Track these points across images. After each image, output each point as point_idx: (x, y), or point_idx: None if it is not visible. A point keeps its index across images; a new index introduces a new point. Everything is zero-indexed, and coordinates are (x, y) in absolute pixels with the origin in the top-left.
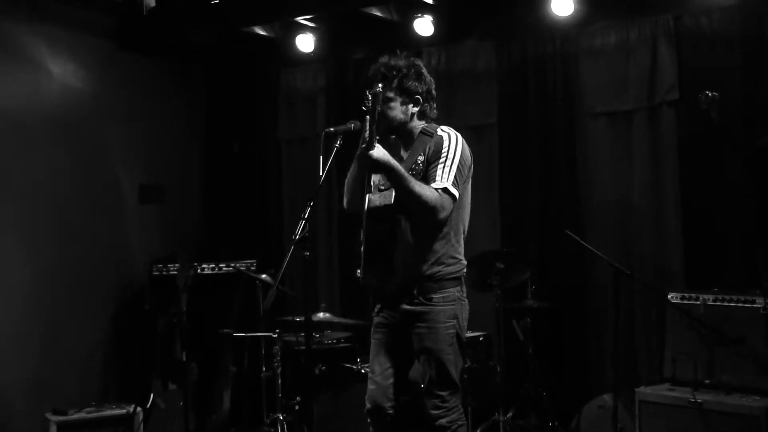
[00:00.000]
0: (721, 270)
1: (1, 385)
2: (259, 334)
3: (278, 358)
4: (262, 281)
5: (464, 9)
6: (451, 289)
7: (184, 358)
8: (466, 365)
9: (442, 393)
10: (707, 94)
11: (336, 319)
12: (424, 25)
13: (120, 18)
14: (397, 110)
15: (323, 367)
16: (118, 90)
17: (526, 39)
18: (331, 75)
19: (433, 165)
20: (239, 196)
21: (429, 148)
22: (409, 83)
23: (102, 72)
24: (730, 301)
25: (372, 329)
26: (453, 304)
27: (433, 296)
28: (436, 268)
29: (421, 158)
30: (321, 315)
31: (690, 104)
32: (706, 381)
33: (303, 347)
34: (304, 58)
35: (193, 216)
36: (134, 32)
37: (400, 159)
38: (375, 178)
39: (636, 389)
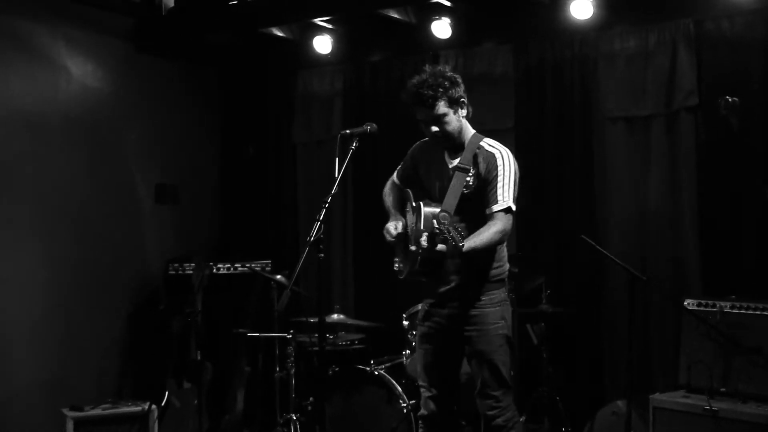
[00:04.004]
0: (739, 277)
1: (20, 382)
2: (273, 334)
3: (292, 358)
4: (277, 282)
5: (482, 12)
6: (496, 291)
7: (199, 358)
8: None
9: (496, 393)
10: (727, 99)
11: (350, 321)
12: (441, 28)
13: (138, 19)
14: (453, 121)
15: (336, 368)
16: (135, 91)
17: (545, 42)
18: (348, 77)
19: (491, 185)
20: (255, 197)
21: (480, 164)
22: (453, 92)
23: (119, 73)
24: (747, 308)
25: (417, 339)
26: (500, 306)
27: (481, 298)
28: (483, 271)
29: (473, 172)
30: (335, 316)
31: (709, 110)
32: (722, 389)
33: (316, 348)
34: (321, 60)
35: (208, 216)
36: (152, 34)
37: (444, 164)
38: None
39: (650, 396)
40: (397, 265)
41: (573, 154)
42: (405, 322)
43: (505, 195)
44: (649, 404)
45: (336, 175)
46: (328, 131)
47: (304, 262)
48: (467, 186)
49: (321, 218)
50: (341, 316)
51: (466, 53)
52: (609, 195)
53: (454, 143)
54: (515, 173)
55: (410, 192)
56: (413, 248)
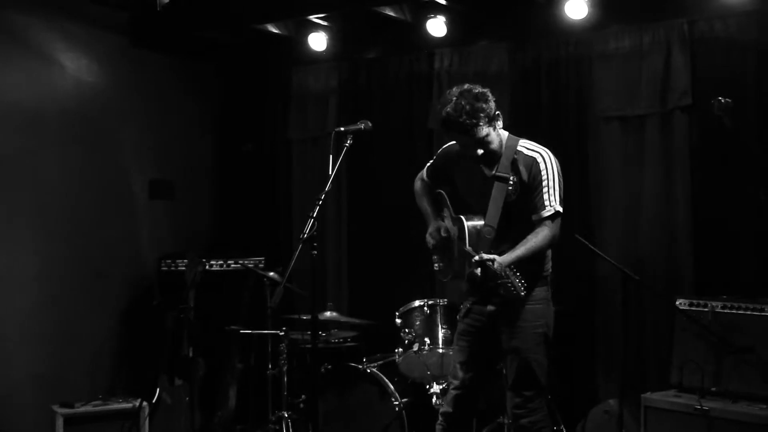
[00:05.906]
0: (731, 277)
1: (10, 378)
2: (266, 331)
3: (284, 355)
4: (270, 279)
5: (477, 10)
6: (538, 289)
7: (191, 354)
8: None
9: (527, 393)
10: (720, 100)
11: (343, 319)
12: (437, 26)
13: (133, 14)
14: (495, 138)
15: (329, 366)
16: (130, 86)
17: (540, 42)
18: (344, 75)
19: (537, 191)
20: (249, 194)
21: (522, 171)
22: (489, 110)
23: (115, 68)
24: (739, 308)
25: (456, 335)
26: (540, 304)
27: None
28: (525, 267)
29: (513, 180)
30: (328, 314)
31: (703, 110)
32: (713, 388)
33: (309, 346)
34: (317, 57)
35: (202, 213)
36: (147, 29)
37: (482, 174)
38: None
39: (642, 395)
40: (437, 265)
41: (567, 153)
42: (398, 320)
43: (552, 200)
44: (641, 403)
45: (330, 173)
46: (323, 128)
47: (298, 259)
48: (509, 195)
49: (314, 215)
50: (334, 314)
51: (461, 51)
52: (603, 194)
53: (494, 156)
54: (559, 174)
55: (445, 196)
56: (467, 269)
